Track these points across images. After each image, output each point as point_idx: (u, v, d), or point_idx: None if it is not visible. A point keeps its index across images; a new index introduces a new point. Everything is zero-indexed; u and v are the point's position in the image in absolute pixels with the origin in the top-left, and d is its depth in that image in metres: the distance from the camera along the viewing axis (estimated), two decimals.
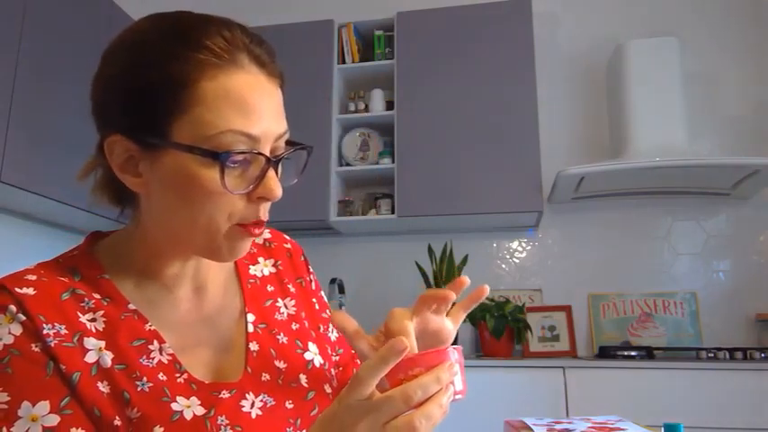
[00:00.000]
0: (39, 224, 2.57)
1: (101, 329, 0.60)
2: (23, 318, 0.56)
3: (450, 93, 2.72)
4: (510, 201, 2.59)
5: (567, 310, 2.74)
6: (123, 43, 0.61)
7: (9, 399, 0.53)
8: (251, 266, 0.76)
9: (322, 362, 0.75)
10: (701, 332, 2.62)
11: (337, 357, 0.82)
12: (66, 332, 0.58)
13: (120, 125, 0.59)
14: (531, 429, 1.08)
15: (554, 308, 2.74)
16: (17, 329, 0.55)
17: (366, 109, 2.92)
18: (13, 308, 0.56)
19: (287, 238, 0.84)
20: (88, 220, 2.54)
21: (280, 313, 0.74)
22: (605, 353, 2.43)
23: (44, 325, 0.56)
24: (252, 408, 0.64)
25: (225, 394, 0.63)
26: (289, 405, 0.67)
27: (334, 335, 0.82)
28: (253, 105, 0.57)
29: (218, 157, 0.56)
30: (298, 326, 0.75)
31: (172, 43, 0.57)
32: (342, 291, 2.84)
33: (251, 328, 0.70)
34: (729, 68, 2.80)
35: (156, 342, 0.62)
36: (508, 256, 2.90)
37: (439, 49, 2.77)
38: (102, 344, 0.59)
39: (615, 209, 2.80)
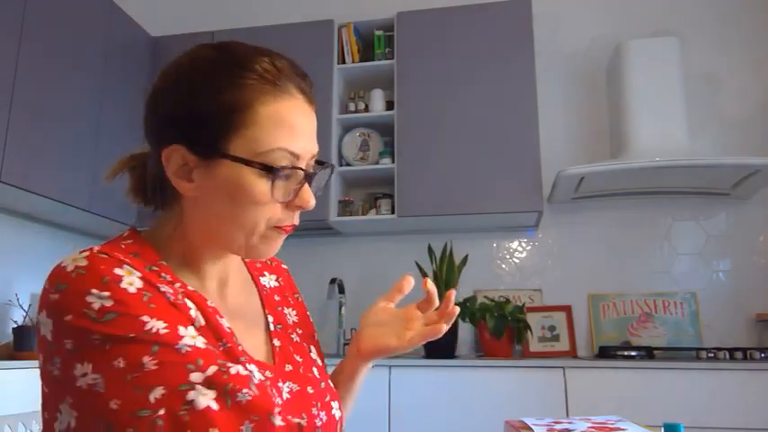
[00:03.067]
0: (39, 224, 2.57)
1: (197, 326, 0.66)
2: (139, 274, 0.63)
3: (450, 93, 2.72)
4: (510, 201, 2.59)
5: (566, 310, 2.74)
6: (191, 63, 0.68)
7: (167, 324, 0.60)
8: (261, 277, 0.84)
9: (321, 364, 0.83)
10: (701, 332, 2.61)
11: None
12: (172, 291, 0.65)
13: (182, 137, 0.66)
14: (532, 429, 1.08)
15: (554, 308, 2.74)
16: (139, 283, 0.62)
17: (366, 109, 2.92)
18: (128, 266, 0.62)
19: (279, 259, 0.92)
20: (88, 219, 2.54)
21: (291, 317, 0.83)
22: (605, 353, 2.43)
23: (156, 282, 0.64)
24: (284, 391, 0.70)
25: (269, 374, 0.69)
26: (310, 390, 0.74)
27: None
28: (297, 127, 0.67)
29: (272, 170, 0.65)
30: (301, 331, 0.83)
31: (232, 70, 0.66)
32: (342, 291, 2.84)
33: (272, 327, 0.78)
34: (730, 68, 2.80)
35: (217, 315, 0.68)
36: (508, 256, 2.89)
37: (439, 49, 2.77)
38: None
39: (615, 209, 2.80)
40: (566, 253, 2.83)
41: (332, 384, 0.81)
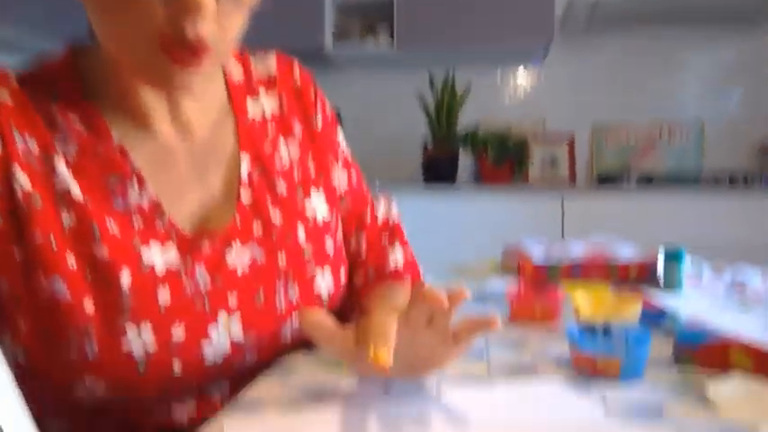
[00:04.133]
0: None
1: (71, 161, 0.55)
2: None
3: None
4: (519, 28, 2.41)
5: (569, 140, 2.69)
6: None
7: None
8: (250, 101, 0.67)
9: (326, 215, 0.69)
10: (704, 160, 2.60)
11: (343, 210, 0.74)
12: (37, 149, 0.53)
13: None
14: (530, 255, 1.09)
15: (557, 137, 2.69)
16: None
17: None
18: None
19: (295, 67, 0.73)
20: None
21: (280, 158, 0.67)
22: (605, 181, 2.43)
23: (15, 135, 0.53)
24: (238, 262, 0.60)
25: (207, 246, 0.58)
26: (281, 262, 0.62)
27: (340, 181, 0.74)
28: None
29: None
30: (300, 174, 0.68)
31: None
32: (340, 122, 2.76)
33: (244, 173, 0.63)
34: None
35: (136, 183, 0.57)
36: (513, 87, 2.78)
37: None
38: (72, 173, 0.54)
39: (627, 38, 2.63)
40: (572, 83, 2.71)
41: (331, 250, 0.68)
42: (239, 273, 0.59)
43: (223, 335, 0.57)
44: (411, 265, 0.76)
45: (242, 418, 0.49)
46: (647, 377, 0.56)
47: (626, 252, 1.09)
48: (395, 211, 0.80)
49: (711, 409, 0.49)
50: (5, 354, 0.54)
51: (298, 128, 0.70)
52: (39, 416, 0.59)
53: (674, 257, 0.83)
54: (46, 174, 0.53)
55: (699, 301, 0.74)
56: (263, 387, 0.56)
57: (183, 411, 0.59)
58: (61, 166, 0.54)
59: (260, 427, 0.47)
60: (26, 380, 0.56)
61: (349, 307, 0.71)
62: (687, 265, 0.85)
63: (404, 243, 0.77)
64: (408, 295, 0.50)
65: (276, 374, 0.60)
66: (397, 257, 0.74)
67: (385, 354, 0.43)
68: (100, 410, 0.53)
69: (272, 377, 0.59)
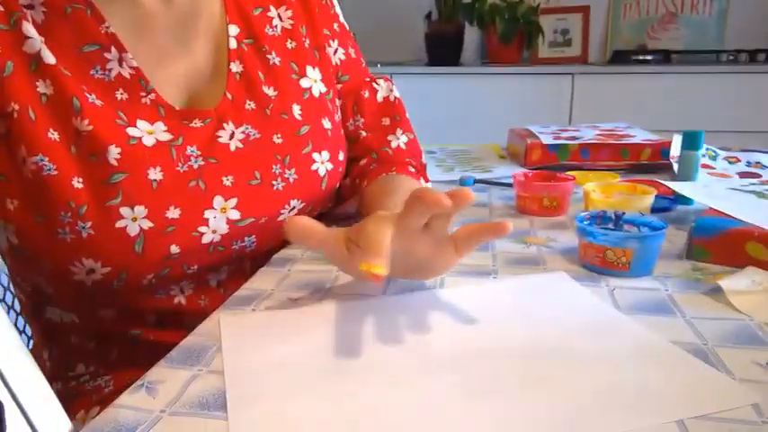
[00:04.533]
0: None
1: (39, 22, 0.49)
2: None
3: None
4: None
5: (584, 10, 2.51)
6: None
7: None
8: None
9: (323, 90, 0.65)
10: (726, 34, 2.44)
11: (341, 85, 0.70)
12: (2, 10, 0.48)
13: None
14: (537, 136, 1.05)
15: (571, 8, 2.52)
16: None
17: None
18: None
19: None
20: None
21: (272, 26, 0.62)
22: (619, 58, 2.31)
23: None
24: (231, 139, 0.57)
25: (197, 123, 0.55)
26: (277, 139, 0.59)
27: (337, 56, 0.69)
28: None
29: None
30: (294, 44, 0.63)
31: None
32: None
33: (233, 44, 0.59)
34: None
35: (114, 50, 0.52)
36: None
37: None
38: (42, 39, 0.49)
39: None
40: None
41: (328, 124, 0.64)
42: (233, 152, 0.56)
43: (220, 218, 0.55)
44: (412, 149, 0.72)
45: (239, 312, 0.48)
46: (657, 271, 0.54)
47: (639, 135, 1.04)
48: (396, 91, 0.74)
49: (725, 304, 0.47)
50: None
51: None
52: (41, 303, 0.60)
53: (691, 142, 0.78)
54: (14, 36, 0.48)
55: (714, 189, 0.71)
56: (261, 281, 0.55)
57: (181, 294, 0.58)
58: (29, 28, 0.49)
59: (256, 320, 0.46)
60: (22, 262, 0.55)
61: (348, 189, 0.69)
62: (702, 150, 0.80)
63: (405, 124, 0.73)
64: (406, 194, 0.47)
65: (273, 268, 0.58)
66: (398, 141, 0.71)
67: (378, 266, 0.39)
68: (100, 294, 0.52)
69: (269, 271, 0.57)
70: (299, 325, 0.44)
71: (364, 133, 0.70)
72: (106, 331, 0.58)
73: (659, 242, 0.53)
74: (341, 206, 0.69)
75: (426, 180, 0.71)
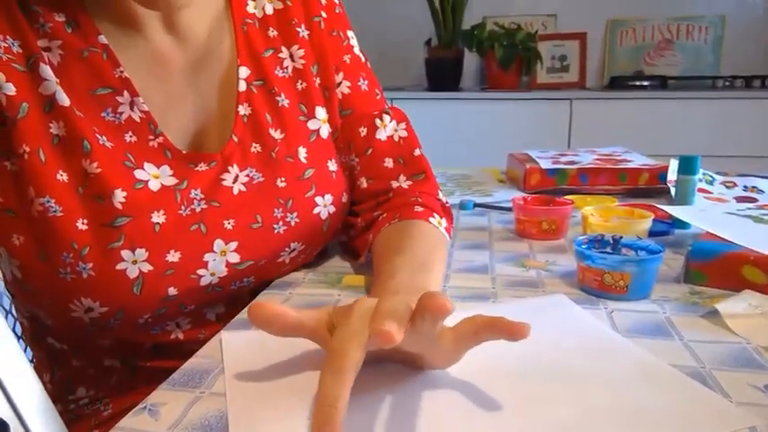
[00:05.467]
0: None
1: (56, 64, 0.50)
2: None
3: None
4: None
5: (581, 38, 2.55)
6: None
7: None
8: (248, 3, 0.61)
9: (330, 131, 0.64)
10: (721, 60, 2.47)
11: (342, 120, 0.66)
12: (20, 51, 0.49)
13: None
14: (536, 161, 1.06)
15: (568, 35, 2.55)
16: None
17: None
18: None
19: None
20: None
21: (282, 68, 0.61)
22: (616, 84, 2.34)
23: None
24: (234, 183, 0.56)
25: (203, 166, 0.55)
26: (280, 183, 0.58)
27: (340, 89, 0.65)
28: None
29: None
30: (305, 85, 0.62)
31: None
32: None
33: (243, 86, 0.58)
34: None
35: (126, 93, 0.53)
36: None
37: None
38: (57, 81, 0.50)
39: None
40: None
41: (333, 167, 0.62)
42: (236, 196, 0.56)
43: (219, 261, 0.55)
44: (420, 188, 0.66)
45: (240, 331, 0.48)
46: (655, 294, 0.55)
47: (637, 159, 1.05)
48: (402, 130, 0.68)
49: (722, 327, 0.47)
50: (2, 268, 0.53)
51: (303, 31, 0.63)
52: (41, 331, 0.60)
53: (687, 167, 0.79)
54: (31, 78, 0.49)
55: (711, 213, 0.72)
56: None
57: (179, 330, 0.58)
58: (46, 70, 0.50)
59: (259, 339, 0.46)
60: (24, 295, 0.56)
61: (360, 242, 0.65)
62: (699, 175, 0.81)
63: (412, 167, 0.67)
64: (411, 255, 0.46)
65: (276, 290, 0.59)
66: (398, 183, 0.66)
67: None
68: (97, 328, 0.53)
69: (271, 293, 0.58)
70: (301, 345, 0.45)
71: (364, 179, 0.66)
72: (104, 360, 0.58)
73: (656, 265, 0.54)
74: (357, 260, 0.65)
75: (442, 216, 0.63)
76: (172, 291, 0.53)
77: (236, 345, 0.45)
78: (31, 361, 0.93)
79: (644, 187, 0.97)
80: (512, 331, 0.36)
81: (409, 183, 0.66)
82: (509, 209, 0.88)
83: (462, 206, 0.94)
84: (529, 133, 2.16)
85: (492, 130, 2.18)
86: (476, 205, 0.94)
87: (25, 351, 0.91)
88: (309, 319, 0.39)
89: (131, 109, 0.53)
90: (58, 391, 0.60)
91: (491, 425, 0.35)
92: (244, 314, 0.53)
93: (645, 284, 0.54)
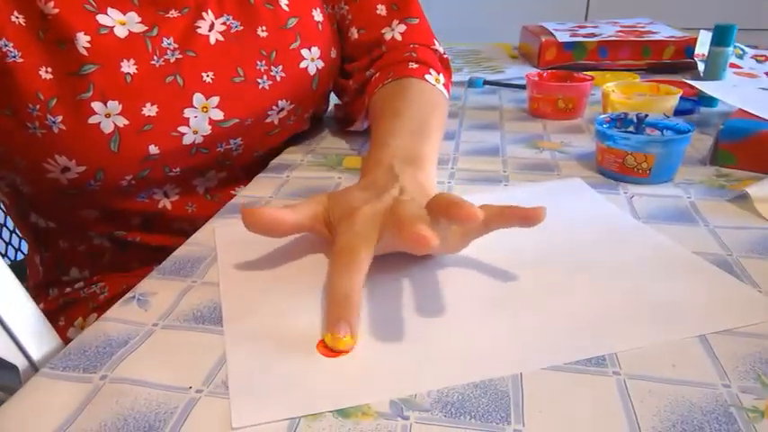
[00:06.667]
0: None
1: None
2: None
3: None
4: None
5: None
6: None
7: None
8: None
9: None
10: None
11: None
12: None
13: None
14: (552, 34, 0.98)
15: None
16: None
17: None
18: None
19: None
20: None
21: None
22: None
23: None
24: (210, 31, 0.52)
25: (174, 13, 0.51)
26: (261, 33, 0.54)
27: None
28: None
29: None
30: None
31: None
32: None
33: None
34: None
35: None
36: None
37: None
38: None
39: None
40: None
41: (319, 16, 0.58)
42: (213, 45, 0.52)
43: (201, 118, 0.51)
44: (412, 37, 0.62)
45: (234, 220, 0.45)
46: (678, 178, 0.51)
47: (663, 31, 0.97)
48: None
49: (751, 212, 0.44)
50: None
51: None
52: (23, 207, 0.58)
53: (722, 36, 0.72)
54: None
55: (744, 89, 0.66)
56: (258, 187, 0.52)
57: (167, 199, 0.56)
58: None
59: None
60: None
61: (356, 105, 0.62)
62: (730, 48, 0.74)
63: (406, 10, 0.62)
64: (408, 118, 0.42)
65: (272, 173, 0.55)
66: (392, 32, 0.61)
67: (346, 337, 0.30)
68: (78, 195, 0.50)
69: (267, 176, 0.54)
70: (296, 235, 0.42)
71: (354, 30, 0.62)
72: (90, 233, 0.56)
73: (684, 147, 0.50)
74: (353, 126, 0.63)
75: (439, 71, 0.59)
76: (153, 149, 0.49)
77: (230, 236, 0.43)
78: (22, 239, 0.91)
79: (668, 62, 0.90)
80: (525, 217, 0.34)
81: (402, 28, 0.61)
82: (522, 86, 0.82)
83: (471, 84, 0.87)
84: (544, 3, 2.01)
85: (504, 0, 2.03)
86: (486, 83, 0.88)
87: (14, 230, 0.90)
88: (306, 217, 0.38)
89: None
90: (52, 272, 0.59)
91: (505, 316, 0.32)
92: (238, 198, 0.50)
93: (669, 167, 0.50)
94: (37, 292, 0.61)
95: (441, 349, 0.30)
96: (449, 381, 0.28)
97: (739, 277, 0.36)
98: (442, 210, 0.31)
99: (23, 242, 0.92)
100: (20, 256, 0.92)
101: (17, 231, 0.90)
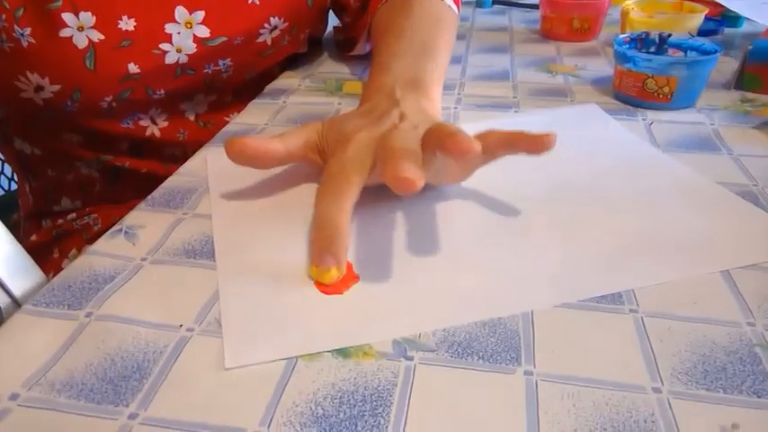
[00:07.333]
0: None
1: None
2: None
3: None
4: None
5: None
6: None
7: None
8: None
9: None
10: None
11: None
12: None
13: None
14: None
15: None
16: None
17: None
18: None
19: None
20: None
21: None
22: None
23: None
24: None
25: None
26: None
27: None
28: None
29: None
30: None
31: None
32: None
33: None
34: None
35: None
36: None
37: None
38: None
39: None
40: None
41: None
42: None
43: (185, 35, 0.48)
44: None
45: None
46: (701, 103, 0.48)
47: None
48: None
49: None
50: None
51: None
52: (5, 135, 0.55)
53: None
54: None
55: None
56: (253, 113, 0.49)
57: (155, 126, 0.53)
58: None
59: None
60: None
61: (356, 27, 0.58)
62: None
63: None
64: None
65: (268, 98, 0.52)
66: None
67: (333, 269, 0.28)
68: (55, 113, 0.47)
69: (262, 102, 0.51)
70: (291, 165, 0.39)
71: None
72: (74, 158, 0.54)
73: (710, 69, 0.46)
74: (353, 49, 0.59)
75: None
76: (132, 67, 0.46)
77: (223, 166, 0.40)
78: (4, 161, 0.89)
79: None
80: (533, 143, 0.30)
81: None
82: (534, 5, 0.77)
83: (479, 3, 0.82)
84: None
85: None
86: (495, 2, 0.82)
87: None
88: (296, 146, 0.35)
89: None
90: (43, 202, 0.57)
91: (515, 250, 0.31)
92: (232, 125, 0.47)
93: (692, 92, 0.46)
94: (30, 222, 0.59)
95: (446, 286, 0.28)
96: (455, 320, 0.26)
97: (765, 209, 0.34)
98: (438, 142, 0.29)
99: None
100: (14, 186, 0.90)
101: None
